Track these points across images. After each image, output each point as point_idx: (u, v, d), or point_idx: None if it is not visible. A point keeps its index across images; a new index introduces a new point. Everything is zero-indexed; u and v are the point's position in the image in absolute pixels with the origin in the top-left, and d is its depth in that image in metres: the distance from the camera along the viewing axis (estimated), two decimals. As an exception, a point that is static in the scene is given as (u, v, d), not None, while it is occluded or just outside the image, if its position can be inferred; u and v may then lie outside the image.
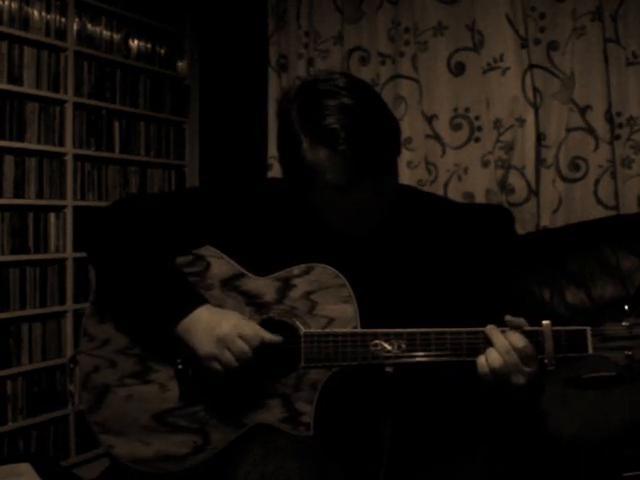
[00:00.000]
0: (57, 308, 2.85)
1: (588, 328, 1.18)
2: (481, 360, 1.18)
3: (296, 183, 1.29)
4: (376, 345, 1.21)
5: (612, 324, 1.18)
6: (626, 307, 1.19)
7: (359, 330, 1.24)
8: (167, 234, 1.35)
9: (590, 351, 1.17)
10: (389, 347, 1.21)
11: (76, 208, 2.91)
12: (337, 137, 1.17)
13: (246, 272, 1.33)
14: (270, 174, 3.13)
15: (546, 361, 1.18)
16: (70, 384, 2.84)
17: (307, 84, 1.26)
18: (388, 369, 1.22)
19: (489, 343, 1.18)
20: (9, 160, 2.67)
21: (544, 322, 1.19)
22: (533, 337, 1.18)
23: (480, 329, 1.20)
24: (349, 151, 1.17)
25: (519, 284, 2.20)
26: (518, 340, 1.16)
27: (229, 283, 1.33)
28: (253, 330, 1.24)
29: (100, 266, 1.40)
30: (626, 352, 1.17)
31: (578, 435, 1.75)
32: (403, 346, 1.21)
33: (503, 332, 1.18)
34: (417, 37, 2.83)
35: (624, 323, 1.17)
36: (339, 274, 1.27)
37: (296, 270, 1.29)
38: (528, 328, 1.19)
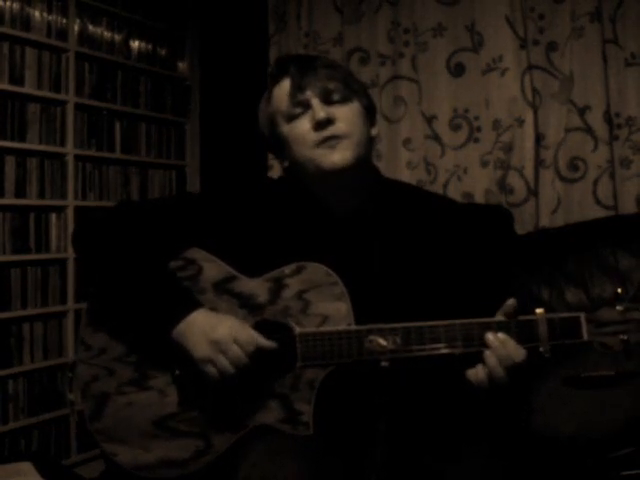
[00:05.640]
0: (58, 308, 2.86)
1: (582, 314, 1.18)
2: (471, 374, 1.21)
3: (273, 146, 1.39)
4: (371, 341, 1.22)
5: (606, 309, 1.17)
6: (619, 291, 1.18)
7: (353, 327, 1.24)
8: (159, 239, 1.35)
9: (585, 337, 1.17)
10: (384, 342, 1.21)
11: (77, 208, 2.91)
12: (289, 63, 1.33)
13: (238, 274, 1.32)
14: (270, 174, 3.14)
15: (541, 349, 1.18)
16: (70, 393, 2.84)
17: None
18: (384, 364, 1.22)
19: (483, 343, 1.20)
20: (10, 160, 2.68)
21: (538, 310, 1.19)
22: (527, 327, 1.19)
23: (474, 320, 1.21)
24: (296, 68, 1.31)
25: (518, 284, 2.20)
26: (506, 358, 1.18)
27: (221, 286, 1.33)
28: (248, 335, 1.23)
29: (94, 273, 1.39)
30: (621, 337, 1.16)
31: (577, 434, 1.75)
32: (398, 341, 1.21)
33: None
34: (417, 38, 2.84)
35: (618, 308, 1.17)
36: (331, 272, 1.26)
37: (287, 270, 1.29)
38: (522, 317, 1.20)
